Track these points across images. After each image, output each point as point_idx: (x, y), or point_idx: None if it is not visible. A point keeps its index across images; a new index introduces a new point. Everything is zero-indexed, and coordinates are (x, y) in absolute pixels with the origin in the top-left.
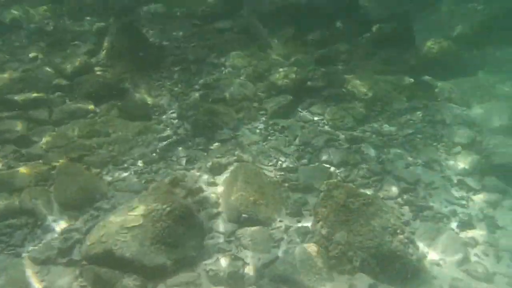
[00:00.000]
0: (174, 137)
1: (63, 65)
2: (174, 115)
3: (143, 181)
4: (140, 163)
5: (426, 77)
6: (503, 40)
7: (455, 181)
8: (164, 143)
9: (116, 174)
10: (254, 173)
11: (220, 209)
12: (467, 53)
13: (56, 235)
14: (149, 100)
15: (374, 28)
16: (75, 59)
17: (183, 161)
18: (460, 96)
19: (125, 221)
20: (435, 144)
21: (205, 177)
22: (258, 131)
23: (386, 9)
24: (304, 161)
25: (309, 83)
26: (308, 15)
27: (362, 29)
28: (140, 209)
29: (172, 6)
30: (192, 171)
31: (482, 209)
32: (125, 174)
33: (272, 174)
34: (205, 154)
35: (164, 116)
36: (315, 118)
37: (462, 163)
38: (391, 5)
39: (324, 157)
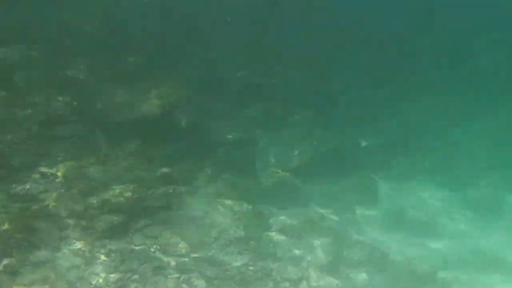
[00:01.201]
0: None
1: None
2: None
3: None
4: None
5: (263, 206)
6: (332, 175)
7: None
8: None
9: None
10: None
11: None
12: (301, 185)
13: None
14: None
15: (220, 151)
16: None
17: None
18: (292, 228)
19: None
20: (265, 278)
21: None
22: (81, 253)
23: (232, 134)
24: None
25: (146, 202)
26: (156, 131)
27: (208, 151)
28: None
29: (10, 107)
30: None
31: None
32: None
33: None
34: (12, 279)
35: None
36: (147, 242)
37: None
38: (238, 130)
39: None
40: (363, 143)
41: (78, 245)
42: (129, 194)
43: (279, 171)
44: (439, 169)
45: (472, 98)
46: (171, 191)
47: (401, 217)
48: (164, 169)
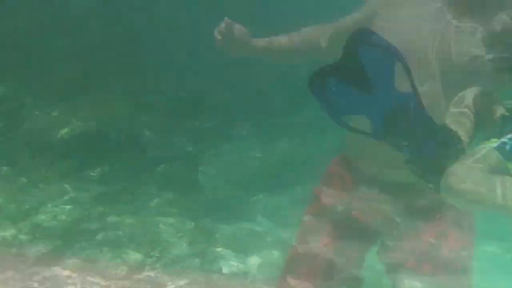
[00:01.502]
0: None
1: None
2: None
3: None
4: None
5: (208, 221)
6: (279, 187)
7: None
8: None
9: None
10: None
11: None
12: (247, 198)
13: None
14: None
15: (160, 167)
16: None
17: None
18: (238, 242)
19: None
20: None
21: None
22: (12, 282)
23: (174, 149)
24: None
25: (82, 224)
26: (92, 149)
27: (148, 168)
28: None
29: None
30: None
31: None
32: None
33: None
34: None
35: None
36: (85, 266)
37: None
38: (180, 145)
39: None
40: (309, 153)
41: (8, 274)
42: (63, 217)
43: (224, 185)
44: None
45: None
46: (109, 211)
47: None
48: (101, 189)
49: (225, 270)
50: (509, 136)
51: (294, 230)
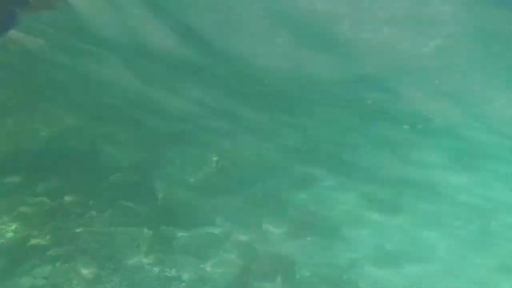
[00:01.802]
0: None
1: None
2: None
3: None
4: None
5: (165, 228)
6: (236, 189)
7: None
8: None
9: None
10: None
11: None
12: (205, 203)
13: None
14: None
15: (115, 177)
16: None
17: None
18: (197, 248)
19: None
20: None
21: None
22: None
23: (129, 158)
24: None
25: (32, 241)
26: (42, 162)
27: (99, 178)
28: None
29: None
30: None
31: None
32: None
33: None
34: None
35: None
36: (37, 284)
37: None
38: (134, 153)
39: None
40: (263, 154)
41: None
42: (11, 234)
43: (180, 191)
44: (342, 173)
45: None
46: (61, 225)
47: (308, 223)
48: (53, 203)
49: (185, 276)
50: None
51: (253, 230)
